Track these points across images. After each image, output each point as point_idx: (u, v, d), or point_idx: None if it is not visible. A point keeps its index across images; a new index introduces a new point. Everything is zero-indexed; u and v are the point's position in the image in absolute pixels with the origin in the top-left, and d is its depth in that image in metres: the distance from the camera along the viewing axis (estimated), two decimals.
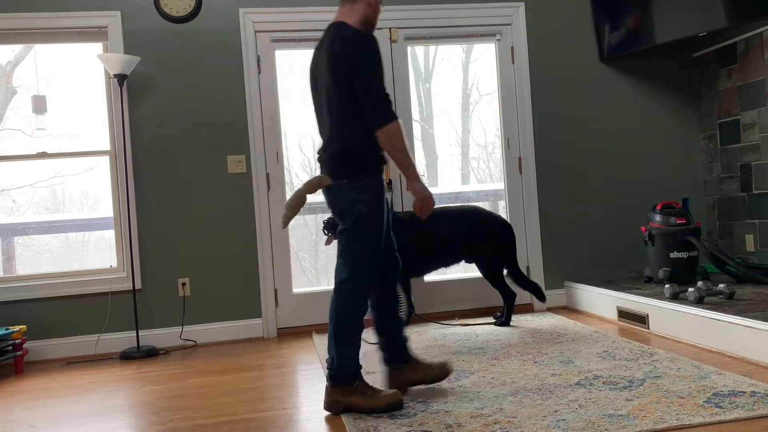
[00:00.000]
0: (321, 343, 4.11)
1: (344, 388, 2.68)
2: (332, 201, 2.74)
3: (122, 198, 4.40)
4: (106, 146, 4.52)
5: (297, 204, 2.70)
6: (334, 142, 2.68)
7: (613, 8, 4.84)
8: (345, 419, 2.62)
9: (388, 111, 2.58)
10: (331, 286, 4.84)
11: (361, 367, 2.73)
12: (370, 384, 2.76)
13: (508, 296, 4.27)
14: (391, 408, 2.65)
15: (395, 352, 2.89)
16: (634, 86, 5.02)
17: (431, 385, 2.96)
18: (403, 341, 2.91)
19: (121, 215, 4.43)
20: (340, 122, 2.64)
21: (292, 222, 4.74)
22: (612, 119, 4.99)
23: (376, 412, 2.64)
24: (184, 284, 4.47)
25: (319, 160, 2.79)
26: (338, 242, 2.76)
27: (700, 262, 4.30)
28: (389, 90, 4.82)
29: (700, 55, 5.02)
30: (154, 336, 4.40)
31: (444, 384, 2.98)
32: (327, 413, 2.73)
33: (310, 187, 2.71)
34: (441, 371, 2.91)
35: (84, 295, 4.37)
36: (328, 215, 4.28)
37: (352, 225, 2.68)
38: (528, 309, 4.76)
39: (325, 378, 2.73)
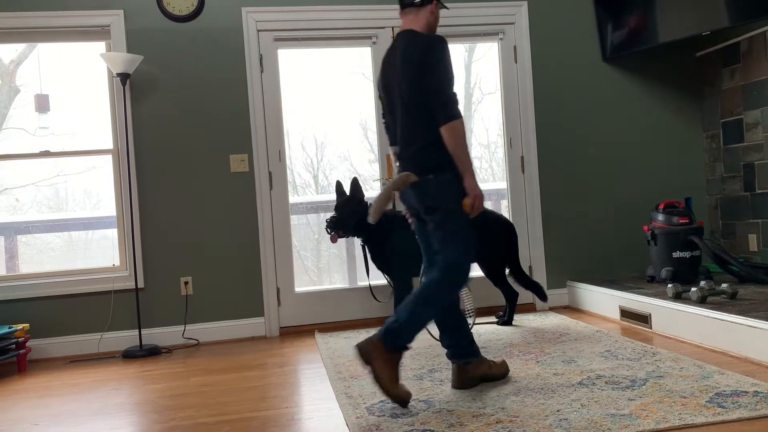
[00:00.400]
0: (323, 341, 4.11)
1: (386, 350, 2.64)
2: (419, 196, 2.82)
3: (125, 197, 4.41)
4: (109, 145, 4.52)
5: (385, 201, 2.80)
6: (413, 141, 2.81)
7: (615, 8, 4.83)
8: (346, 418, 2.62)
9: (454, 109, 2.72)
10: (333, 286, 4.88)
11: (409, 348, 2.72)
12: (400, 373, 2.74)
13: (511, 296, 4.27)
14: (397, 402, 2.67)
15: (460, 348, 2.91)
16: (637, 86, 5.01)
17: (439, 384, 2.97)
18: (467, 337, 2.93)
19: (124, 214, 4.43)
20: (419, 122, 2.78)
21: (294, 221, 4.76)
22: (614, 119, 4.98)
23: (385, 394, 2.65)
24: (186, 283, 4.48)
25: (400, 160, 2.90)
26: (433, 238, 2.84)
27: (703, 261, 4.30)
28: None
29: (702, 55, 5.01)
30: (157, 335, 4.41)
31: (445, 383, 2.98)
32: (328, 412, 2.74)
33: (397, 184, 2.80)
34: (504, 368, 3.00)
35: (87, 294, 4.38)
36: (330, 214, 4.28)
37: (445, 219, 2.79)
38: (530, 308, 4.75)
39: (380, 331, 2.68)
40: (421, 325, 2.72)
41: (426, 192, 2.79)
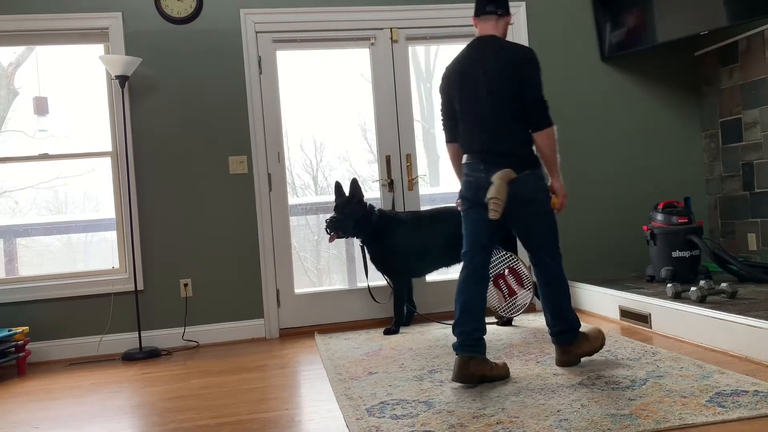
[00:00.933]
0: (323, 343, 4.11)
1: (575, 342, 3.10)
2: (516, 190, 2.96)
3: (124, 199, 4.41)
4: (108, 147, 4.52)
5: (504, 193, 2.92)
6: (503, 140, 3.01)
7: (614, 7, 4.84)
8: (346, 420, 2.62)
9: (549, 116, 3.02)
10: (333, 287, 4.88)
11: (579, 325, 3.13)
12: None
13: None
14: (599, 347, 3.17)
15: (470, 339, 2.96)
16: (636, 85, 5.01)
17: (439, 385, 2.97)
18: (479, 331, 2.99)
19: (123, 216, 4.43)
20: (512, 123, 3.00)
21: (294, 222, 4.77)
22: (613, 118, 4.98)
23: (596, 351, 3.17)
24: (186, 285, 4.48)
25: (487, 156, 3.02)
26: (529, 227, 3.09)
27: (703, 261, 4.30)
28: (391, 90, 4.84)
29: (701, 54, 5.01)
30: (157, 337, 4.41)
31: (446, 383, 2.98)
32: (328, 414, 2.74)
33: (504, 177, 2.93)
34: (505, 370, 3.03)
35: (86, 297, 4.37)
36: (330, 215, 4.28)
37: (540, 210, 3.08)
38: (530, 309, 4.74)
39: (558, 343, 3.12)
40: (569, 306, 3.08)
41: (525, 186, 2.99)
